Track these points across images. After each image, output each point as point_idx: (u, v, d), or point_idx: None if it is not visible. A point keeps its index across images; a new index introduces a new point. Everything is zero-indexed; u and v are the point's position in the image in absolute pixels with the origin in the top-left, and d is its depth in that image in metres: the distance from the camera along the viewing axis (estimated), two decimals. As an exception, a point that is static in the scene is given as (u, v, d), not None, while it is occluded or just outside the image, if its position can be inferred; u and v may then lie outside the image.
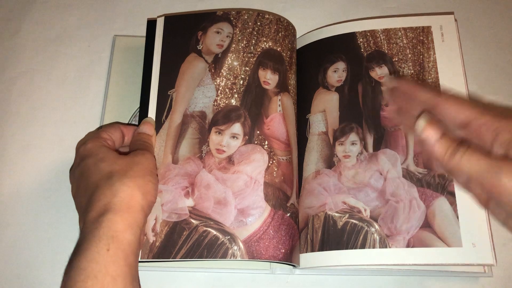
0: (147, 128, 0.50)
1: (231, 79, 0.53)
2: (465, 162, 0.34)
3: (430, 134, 0.36)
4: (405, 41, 0.56)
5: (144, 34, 0.63)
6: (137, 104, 0.57)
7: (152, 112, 0.52)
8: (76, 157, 0.47)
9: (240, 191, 0.49)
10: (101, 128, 0.52)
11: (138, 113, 0.57)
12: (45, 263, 0.52)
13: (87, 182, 0.43)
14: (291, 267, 0.50)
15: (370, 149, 0.52)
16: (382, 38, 0.56)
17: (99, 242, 0.38)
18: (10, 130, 0.58)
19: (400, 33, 0.56)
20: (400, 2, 0.66)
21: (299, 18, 0.64)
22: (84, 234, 0.39)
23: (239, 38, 0.55)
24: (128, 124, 0.54)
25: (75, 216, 0.54)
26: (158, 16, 0.57)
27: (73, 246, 0.51)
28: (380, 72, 0.55)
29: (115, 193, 0.40)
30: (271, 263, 0.51)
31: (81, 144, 0.47)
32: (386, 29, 0.56)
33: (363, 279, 0.51)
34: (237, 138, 0.51)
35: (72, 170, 0.47)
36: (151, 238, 0.46)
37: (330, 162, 0.53)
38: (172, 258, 0.46)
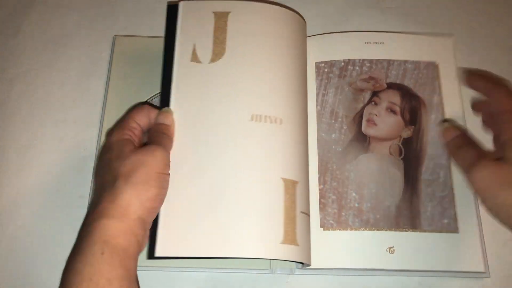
0: (165, 118, 0.48)
1: None
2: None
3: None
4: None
5: (145, 34, 0.63)
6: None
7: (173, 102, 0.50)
8: (103, 145, 0.47)
9: None
10: (131, 110, 0.51)
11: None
12: (46, 264, 0.52)
13: (100, 180, 0.44)
14: (292, 267, 0.50)
15: None
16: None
17: (93, 245, 0.38)
18: (10, 130, 0.58)
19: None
20: (400, 3, 0.67)
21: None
22: (79, 236, 0.40)
23: None
24: (155, 106, 0.51)
25: (75, 216, 0.54)
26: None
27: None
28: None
29: (114, 199, 0.41)
30: (271, 263, 0.51)
31: (109, 133, 0.47)
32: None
33: (363, 279, 0.51)
34: None
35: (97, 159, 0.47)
36: None
37: None
38: None
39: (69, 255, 0.41)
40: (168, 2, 0.55)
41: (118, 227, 0.40)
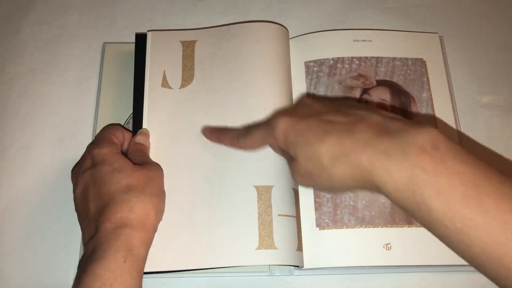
0: (144, 139, 0.51)
1: None
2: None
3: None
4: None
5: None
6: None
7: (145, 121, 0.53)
8: (88, 158, 0.47)
9: None
10: (107, 127, 0.52)
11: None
12: (45, 264, 0.52)
13: (100, 190, 0.44)
14: (291, 268, 0.51)
15: None
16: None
17: (116, 252, 0.39)
18: (10, 130, 0.58)
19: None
20: (400, 3, 0.66)
21: (299, 17, 0.65)
22: (99, 242, 0.40)
23: None
24: (126, 128, 0.54)
25: (75, 216, 0.54)
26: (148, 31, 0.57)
27: (73, 246, 0.51)
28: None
29: (132, 209, 0.42)
30: (270, 266, 0.51)
31: (95, 147, 0.47)
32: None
33: (363, 278, 0.51)
34: None
35: (80, 170, 0.47)
36: None
37: None
38: None
39: (85, 258, 0.41)
40: (136, 33, 0.58)
41: (141, 237, 0.41)
